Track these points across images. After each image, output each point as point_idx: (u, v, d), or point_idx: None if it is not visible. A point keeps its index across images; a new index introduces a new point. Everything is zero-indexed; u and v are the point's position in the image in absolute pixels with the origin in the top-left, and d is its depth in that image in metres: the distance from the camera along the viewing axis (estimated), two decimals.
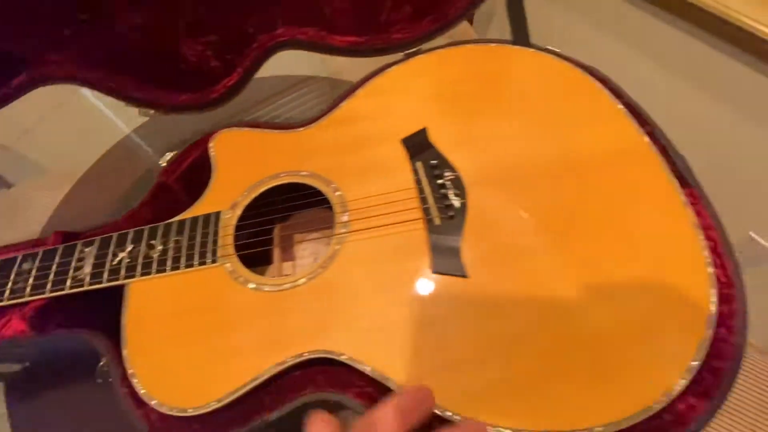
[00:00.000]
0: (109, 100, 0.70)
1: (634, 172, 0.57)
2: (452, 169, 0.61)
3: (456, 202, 0.58)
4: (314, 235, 0.69)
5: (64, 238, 0.64)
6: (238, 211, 0.62)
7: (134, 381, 0.53)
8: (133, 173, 0.91)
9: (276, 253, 0.69)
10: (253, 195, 0.63)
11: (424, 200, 0.59)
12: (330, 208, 0.60)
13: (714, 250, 0.50)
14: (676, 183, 0.55)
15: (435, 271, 0.53)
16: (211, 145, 0.69)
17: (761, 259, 0.84)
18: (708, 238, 0.51)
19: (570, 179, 0.57)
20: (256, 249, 0.62)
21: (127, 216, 0.66)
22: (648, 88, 0.89)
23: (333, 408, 0.52)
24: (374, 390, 0.50)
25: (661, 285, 0.48)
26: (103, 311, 0.57)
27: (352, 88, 0.72)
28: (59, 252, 0.60)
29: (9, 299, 0.57)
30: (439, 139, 0.64)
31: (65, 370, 0.70)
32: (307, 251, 0.71)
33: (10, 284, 0.59)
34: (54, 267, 0.58)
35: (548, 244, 0.53)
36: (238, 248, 0.58)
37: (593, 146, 0.59)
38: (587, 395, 0.44)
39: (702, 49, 0.83)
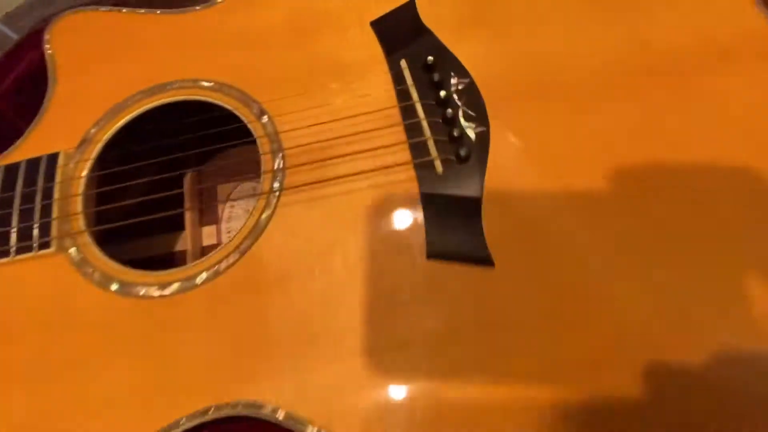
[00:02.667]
0: None
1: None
2: (462, 70, 0.35)
3: (470, 131, 0.33)
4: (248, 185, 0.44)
5: None
6: (93, 153, 0.36)
7: None
8: None
9: (188, 215, 0.44)
10: (119, 124, 0.36)
11: (412, 129, 0.34)
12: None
13: None
14: None
15: (431, 256, 0.30)
16: (47, 38, 0.40)
17: None
18: None
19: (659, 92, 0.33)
20: (131, 220, 0.36)
21: None
22: None
23: None
24: None
25: None
26: None
27: None
28: None
29: None
30: (437, 18, 0.37)
31: None
32: (240, 208, 0.47)
33: None
34: None
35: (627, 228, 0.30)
36: (99, 218, 0.35)
37: (692, 39, 0.34)
38: None
39: None
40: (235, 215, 0.48)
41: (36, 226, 0.33)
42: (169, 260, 0.44)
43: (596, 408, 0.26)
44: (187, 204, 0.45)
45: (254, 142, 0.36)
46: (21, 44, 0.45)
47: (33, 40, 0.44)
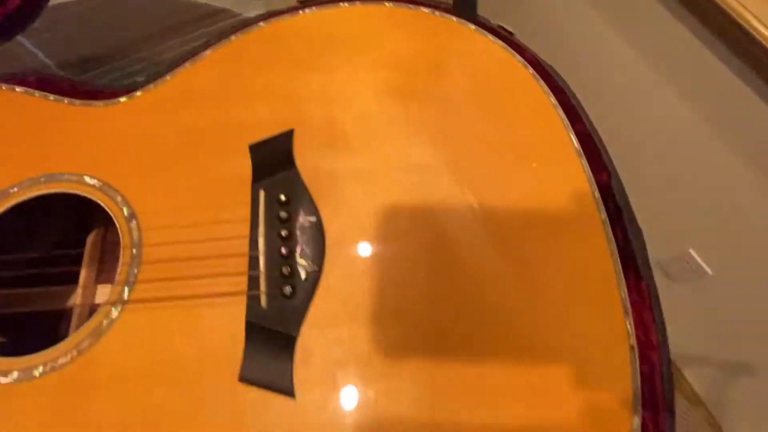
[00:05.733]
0: None
1: (575, 249, 0.38)
2: (312, 209, 0.40)
3: (302, 270, 0.38)
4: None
5: None
6: None
7: None
8: None
9: (84, 272, 0.48)
10: (5, 206, 0.40)
11: (253, 260, 0.38)
12: None
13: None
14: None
15: (242, 380, 0.34)
16: None
17: (695, 276, 0.75)
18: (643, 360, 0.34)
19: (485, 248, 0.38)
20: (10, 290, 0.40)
21: None
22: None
23: None
24: None
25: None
26: None
27: (203, 45, 0.47)
28: None
29: None
30: (307, 155, 0.42)
31: None
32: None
33: None
34: None
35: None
36: None
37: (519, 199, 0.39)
38: None
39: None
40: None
41: None
42: (56, 315, 0.48)
43: None
44: (85, 259, 0.48)
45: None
46: None
47: None
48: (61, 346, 0.36)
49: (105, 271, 0.51)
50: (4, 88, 0.45)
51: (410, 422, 0.34)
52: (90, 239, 0.50)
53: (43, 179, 0.42)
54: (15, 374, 0.35)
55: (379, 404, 0.34)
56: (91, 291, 0.49)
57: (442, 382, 0.34)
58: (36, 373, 0.35)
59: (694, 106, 0.65)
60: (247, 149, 0.42)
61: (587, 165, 0.41)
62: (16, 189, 0.41)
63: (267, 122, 0.43)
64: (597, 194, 0.40)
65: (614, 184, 0.41)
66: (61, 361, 0.36)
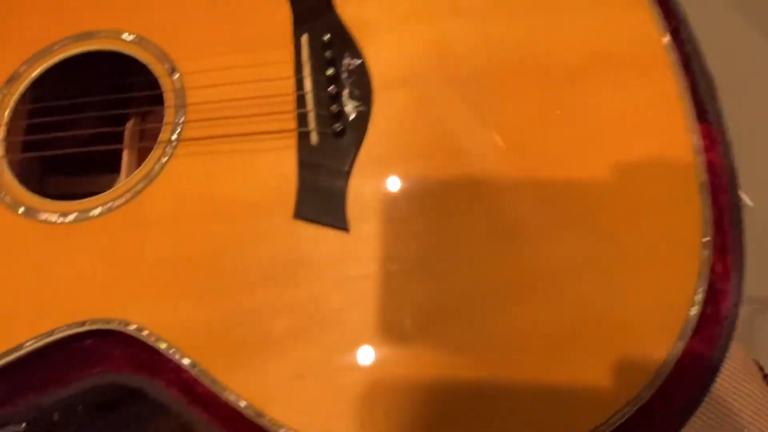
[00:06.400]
0: None
1: (633, 88, 0.35)
2: (356, 52, 0.38)
3: (351, 110, 0.36)
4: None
5: None
6: (20, 88, 0.40)
7: None
8: None
9: (125, 158, 0.48)
10: (47, 64, 0.39)
11: (301, 100, 0.37)
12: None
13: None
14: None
15: (297, 217, 0.34)
16: None
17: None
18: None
19: (540, 91, 0.36)
20: (53, 152, 0.40)
21: None
22: None
23: (135, 395, 0.35)
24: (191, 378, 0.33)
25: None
26: None
27: None
28: None
29: None
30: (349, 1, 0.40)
31: None
32: None
33: None
34: None
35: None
36: (26, 144, 0.40)
37: (580, 42, 0.37)
38: None
39: None
40: None
41: None
42: None
43: None
44: (126, 143, 0.49)
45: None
46: None
47: None
48: (116, 190, 0.36)
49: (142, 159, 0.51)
50: None
51: (464, 253, 0.33)
52: (128, 125, 0.50)
53: (81, 36, 0.41)
54: (73, 215, 0.36)
55: (431, 236, 0.33)
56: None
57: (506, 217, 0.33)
58: (94, 213, 0.36)
59: None
60: None
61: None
62: (57, 47, 0.41)
63: None
64: (666, 39, 0.37)
65: (683, 30, 0.38)
66: (118, 202, 0.36)
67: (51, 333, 0.33)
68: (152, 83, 0.40)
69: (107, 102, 0.43)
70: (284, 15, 0.40)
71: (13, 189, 0.37)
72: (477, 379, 0.30)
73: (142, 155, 0.50)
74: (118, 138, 0.46)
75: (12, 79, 0.40)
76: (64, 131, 0.41)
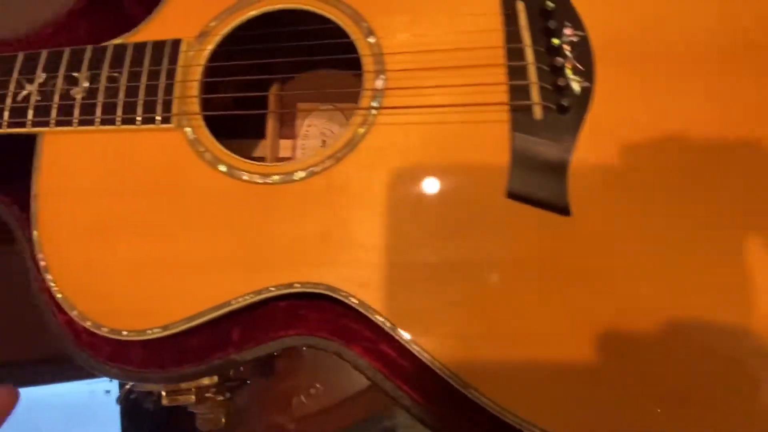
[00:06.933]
0: None
1: None
2: (578, 23, 0.35)
3: (575, 84, 0.33)
4: (328, 105, 0.47)
5: None
6: (210, 45, 0.39)
7: (48, 277, 0.36)
8: None
9: (270, 124, 0.47)
10: (237, 21, 0.38)
11: (516, 71, 0.34)
12: (357, 63, 0.37)
13: None
14: None
15: (510, 194, 0.31)
16: None
17: None
18: None
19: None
20: (237, 112, 0.39)
21: (46, 29, 0.44)
22: None
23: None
24: (391, 349, 0.33)
25: None
26: (14, 168, 0.39)
27: None
28: None
29: None
30: None
31: None
32: (316, 129, 0.49)
33: None
34: None
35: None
36: (207, 105, 0.38)
37: None
38: None
39: None
40: (311, 134, 0.50)
41: (159, 101, 0.37)
42: None
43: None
44: (271, 107, 0.48)
45: (343, 54, 0.37)
46: None
47: None
48: (317, 156, 0.35)
49: (284, 127, 0.50)
50: None
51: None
52: (272, 90, 0.49)
53: None
54: (276, 177, 0.35)
55: (659, 230, 0.31)
56: (276, 143, 0.49)
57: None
58: (297, 176, 0.34)
59: None
60: None
61: None
62: (245, 3, 0.40)
63: None
64: None
65: None
66: (320, 167, 0.34)
67: (259, 292, 0.33)
68: (331, 47, 0.38)
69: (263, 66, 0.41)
70: None
71: (213, 146, 0.36)
72: None
73: (283, 121, 0.49)
74: (259, 103, 0.45)
75: (203, 35, 0.39)
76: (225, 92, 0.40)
